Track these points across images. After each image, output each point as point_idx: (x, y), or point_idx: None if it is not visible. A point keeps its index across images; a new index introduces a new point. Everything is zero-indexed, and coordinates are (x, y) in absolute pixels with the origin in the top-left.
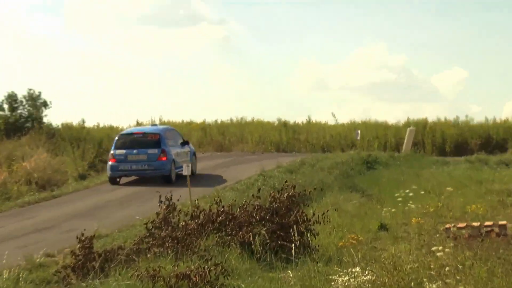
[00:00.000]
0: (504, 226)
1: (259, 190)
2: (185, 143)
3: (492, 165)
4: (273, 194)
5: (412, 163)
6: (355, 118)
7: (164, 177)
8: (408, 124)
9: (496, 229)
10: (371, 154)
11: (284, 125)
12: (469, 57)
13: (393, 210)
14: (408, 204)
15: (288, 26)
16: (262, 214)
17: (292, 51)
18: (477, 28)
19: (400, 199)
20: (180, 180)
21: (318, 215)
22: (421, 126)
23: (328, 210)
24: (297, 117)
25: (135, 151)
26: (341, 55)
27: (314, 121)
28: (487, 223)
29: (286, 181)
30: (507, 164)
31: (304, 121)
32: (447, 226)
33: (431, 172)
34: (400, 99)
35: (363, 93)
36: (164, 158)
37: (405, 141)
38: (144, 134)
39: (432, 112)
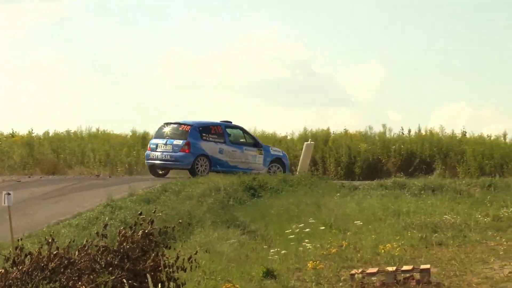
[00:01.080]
0: (427, 271)
1: (105, 226)
2: (256, 145)
3: (414, 191)
4: (123, 231)
5: (309, 189)
6: None
7: (189, 172)
8: (305, 137)
9: (417, 275)
10: (255, 178)
11: (143, 138)
12: (388, 49)
13: (284, 251)
14: (303, 244)
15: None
16: (109, 259)
17: (155, 37)
18: (400, 8)
19: (292, 236)
20: None
21: (184, 259)
22: (322, 140)
23: (197, 252)
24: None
25: (164, 141)
26: (220, 41)
27: None
28: (405, 267)
29: (140, 214)
30: (434, 189)
31: None
32: (353, 272)
33: (335, 201)
34: (295, 103)
35: (246, 94)
36: (187, 151)
37: (301, 159)
38: (178, 124)
39: (338, 120)
